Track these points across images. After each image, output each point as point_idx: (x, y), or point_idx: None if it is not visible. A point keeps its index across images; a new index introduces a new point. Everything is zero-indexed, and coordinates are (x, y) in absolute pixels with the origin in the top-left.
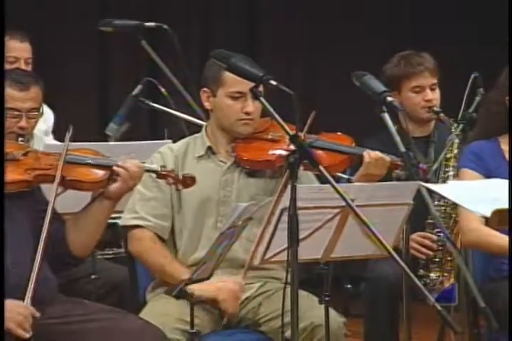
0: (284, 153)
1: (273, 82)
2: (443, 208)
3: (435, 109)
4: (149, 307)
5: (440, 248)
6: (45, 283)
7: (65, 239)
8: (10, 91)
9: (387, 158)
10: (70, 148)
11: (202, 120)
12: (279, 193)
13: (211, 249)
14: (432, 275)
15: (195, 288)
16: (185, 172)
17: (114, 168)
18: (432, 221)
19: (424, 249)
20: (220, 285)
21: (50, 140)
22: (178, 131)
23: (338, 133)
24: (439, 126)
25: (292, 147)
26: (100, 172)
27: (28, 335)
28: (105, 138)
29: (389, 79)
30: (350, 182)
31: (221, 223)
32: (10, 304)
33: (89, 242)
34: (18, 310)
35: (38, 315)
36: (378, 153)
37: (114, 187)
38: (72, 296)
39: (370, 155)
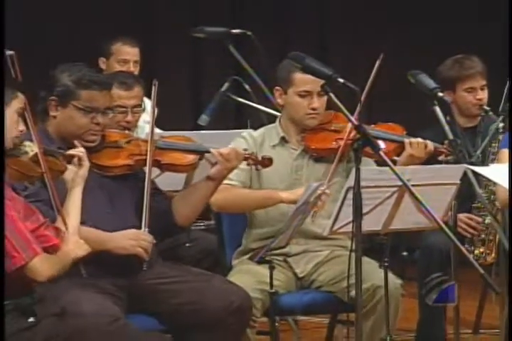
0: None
1: (340, 80)
2: (487, 195)
3: (485, 107)
4: (235, 271)
5: (484, 228)
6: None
7: (170, 212)
8: (117, 91)
9: (431, 144)
10: (166, 136)
11: (279, 112)
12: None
13: (288, 221)
14: (476, 251)
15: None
16: (263, 154)
17: (212, 151)
18: (477, 205)
19: (470, 229)
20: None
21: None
22: (258, 122)
23: (390, 123)
24: (485, 118)
25: (353, 135)
26: (191, 157)
27: (148, 258)
28: (198, 127)
29: (444, 79)
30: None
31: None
32: (135, 233)
33: (192, 214)
34: (143, 237)
35: (155, 241)
36: (419, 139)
37: (214, 169)
38: (170, 261)
39: (410, 140)
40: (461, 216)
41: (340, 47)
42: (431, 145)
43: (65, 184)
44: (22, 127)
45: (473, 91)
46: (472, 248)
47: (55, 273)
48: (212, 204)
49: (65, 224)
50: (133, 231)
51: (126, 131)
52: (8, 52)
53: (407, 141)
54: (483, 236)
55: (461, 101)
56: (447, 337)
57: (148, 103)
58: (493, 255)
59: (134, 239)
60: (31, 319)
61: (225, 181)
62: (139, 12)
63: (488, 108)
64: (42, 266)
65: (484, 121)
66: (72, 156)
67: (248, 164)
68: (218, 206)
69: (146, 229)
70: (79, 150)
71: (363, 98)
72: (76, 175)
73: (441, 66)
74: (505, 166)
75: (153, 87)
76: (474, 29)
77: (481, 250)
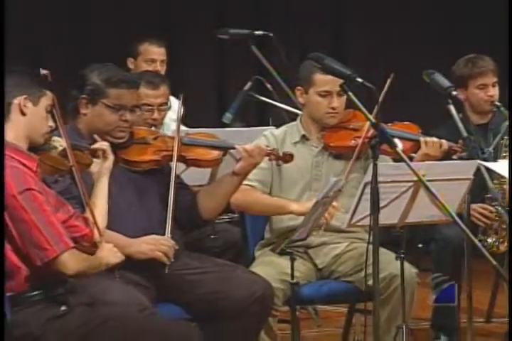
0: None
1: (359, 79)
2: (499, 186)
3: (496, 103)
4: (257, 262)
5: (497, 218)
6: (174, 241)
7: (196, 205)
8: (144, 90)
9: (445, 143)
10: (191, 133)
11: (299, 110)
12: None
13: (308, 215)
14: (489, 240)
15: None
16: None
17: (238, 147)
18: (490, 195)
19: (483, 218)
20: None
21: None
22: (280, 119)
23: (406, 122)
24: (496, 115)
25: (370, 134)
26: (215, 152)
27: (168, 262)
28: (222, 125)
29: (457, 78)
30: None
31: (314, 196)
32: (154, 238)
33: (217, 208)
34: (162, 242)
35: (176, 247)
36: (434, 138)
37: (239, 165)
38: (196, 252)
39: (425, 139)
40: (475, 206)
41: (357, 46)
42: (446, 144)
43: (92, 176)
44: (51, 123)
45: (485, 88)
46: (485, 237)
47: (82, 268)
48: (231, 202)
49: (92, 214)
50: (153, 236)
51: (153, 128)
52: (43, 72)
53: (422, 140)
54: (495, 225)
55: (473, 98)
56: (460, 326)
57: (174, 101)
58: (505, 244)
59: (153, 244)
60: (63, 307)
61: (245, 182)
62: (167, 14)
63: (499, 103)
64: (71, 260)
65: (495, 117)
66: (97, 150)
67: (270, 159)
68: (236, 205)
69: (169, 236)
70: (102, 144)
71: (375, 112)
72: (101, 167)
73: (455, 65)
74: None
75: (179, 102)
76: (490, 28)
77: (494, 239)
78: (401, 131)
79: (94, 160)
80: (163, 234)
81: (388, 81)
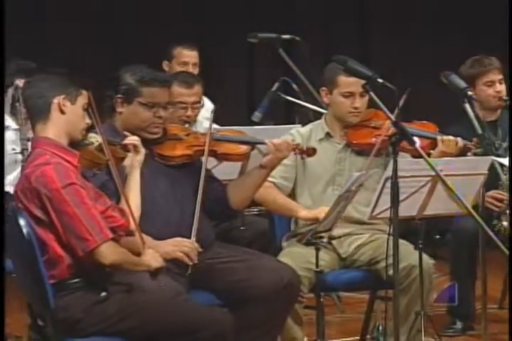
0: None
1: (380, 80)
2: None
3: (504, 97)
4: (284, 252)
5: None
6: (206, 232)
7: (225, 197)
8: (178, 89)
9: (461, 141)
10: (223, 129)
11: (324, 109)
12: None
13: (332, 207)
14: (504, 223)
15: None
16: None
17: (267, 141)
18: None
19: (496, 202)
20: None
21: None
22: (305, 118)
23: (424, 121)
24: (504, 112)
25: (390, 132)
26: (244, 147)
27: (191, 263)
28: (252, 123)
29: (465, 77)
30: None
31: (337, 190)
32: (178, 240)
33: (245, 199)
34: (185, 244)
35: (200, 250)
36: (450, 137)
37: (266, 158)
38: (227, 243)
39: (442, 137)
40: (489, 193)
41: (380, 46)
42: (461, 142)
43: (124, 169)
44: (88, 120)
45: (493, 85)
46: (500, 221)
47: (118, 260)
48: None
49: (127, 205)
50: (177, 238)
51: (187, 125)
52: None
53: (439, 138)
54: (509, 210)
55: (482, 95)
56: (475, 312)
57: (206, 101)
58: None
59: (176, 245)
60: (103, 294)
61: (269, 178)
62: (201, 19)
63: (507, 98)
64: (108, 251)
65: (503, 114)
66: (128, 144)
67: (295, 153)
68: (256, 199)
69: (194, 238)
70: (133, 139)
71: (396, 112)
72: (133, 161)
73: (462, 66)
74: None
75: (211, 113)
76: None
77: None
78: (419, 130)
79: (128, 154)
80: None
81: (404, 96)
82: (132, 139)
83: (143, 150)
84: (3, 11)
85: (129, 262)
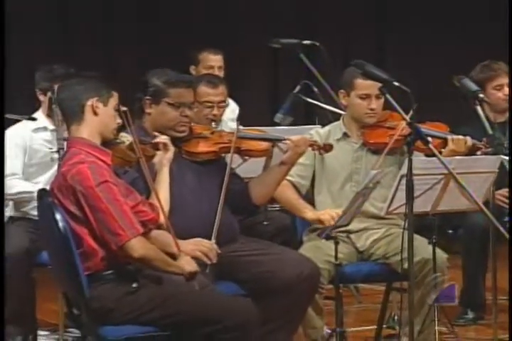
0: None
1: (395, 83)
2: None
3: None
4: (305, 245)
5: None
6: (231, 226)
7: (247, 192)
8: (205, 89)
9: (470, 140)
10: (246, 129)
11: (342, 110)
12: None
13: (350, 203)
14: None
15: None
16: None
17: (286, 138)
18: None
19: (506, 199)
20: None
21: (235, 125)
22: (325, 119)
23: (437, 122)
24: None
25: (405, 132)
26: (265, 144)
27: (209, 262)
28: (274, 124)
29: (476, 81)
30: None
31: (355, 187)
32: (198, 240)
33: (267, 194)
34: (203, 244)
35: (219, 251)
36: (460, 136)
37: (286, 155)
38: (251, 237)
39: (452, 137)
40: (500, 191)
41: (396, 47)
42: (470, 141)
43: (154, 167)
44: (119, 120)
45: (501, 88)
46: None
47: (146, 255)
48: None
49: (158, 199)
50: (197, 239)
51: (213, 124)
52: (123, 109)
53: (449, 137)
54: None
55: (491, 98)
56: (486, 303)
57: (231, 102)
58: None
59: (194, 245)
60: (134, 285)
61: (287, 177)
62: (227, 26)
63: None
64: (139, 245)
65: None
66: (159, 143)
67: (313, 149)
68: (274, 197)
69: (214, 240)
70: (163, 138)
71: (411, 114)
72: (163, 158)
73: (473, 71)
74: None
75: (237, 122)
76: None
77: None
78: (431, 130)
79: (157, 152)
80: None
81: (411, 112)
82: (162, 138)
83: (172, 149)
84: (3, 12)
85: (158, 259)
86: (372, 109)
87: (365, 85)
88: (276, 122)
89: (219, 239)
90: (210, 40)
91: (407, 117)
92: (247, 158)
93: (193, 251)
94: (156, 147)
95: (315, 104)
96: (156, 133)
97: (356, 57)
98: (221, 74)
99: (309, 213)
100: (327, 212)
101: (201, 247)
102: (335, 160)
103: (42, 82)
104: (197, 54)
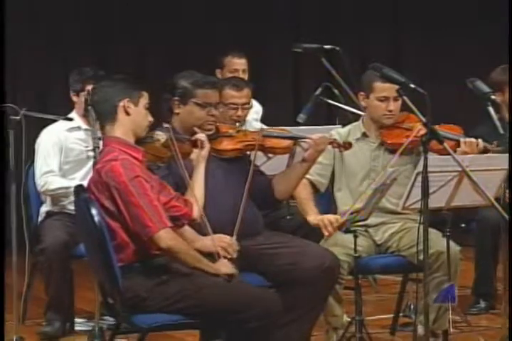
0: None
1: (412, 85)
2: None
3: None
4: (326, 239)
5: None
6: (256, 220)
7: (270, 187)
8: (230, 91)
9: (481, 143)
10: (270, 128)
11: (362, 111)
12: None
13: (368, 199)
14: None
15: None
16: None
17: (307, 136)
18: None
19: None
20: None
21: (258, 125)
22: (345, 119)
23: (451, 124)
24: None
25: (421, 133)
26: (287, 142)
27: (229, 256)
28: (297, 124)
29: (495, 82)
30: None
31: (372, 184)
32: (218, 235)
33: (289, 189)
34: (223, 239)
35: (238, 247)
36: (472, 139)
37: (307, 152)
38: (275, 230)
39: (465, 139)
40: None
41: (411, 47)
42: (481, 144)
43: (191, 163)
44: (150, 118)
45: None
46: None
47: (174, 247)
48: None
49: (193, 195)
50: (218, 235)
51: (237, 124)
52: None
53: (462, 140)
54: None
55: (510, 100)
56: (497, 292)
57: (255, 103)
58: None
59: (214, 240)
60: (165, 276)
61: (307, 175)
62: (253, 32)
63: None
64: (167, 236)
65: None
66: (197, 140)
67: (333, 147)
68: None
69: (235, 237)
70: (200, 135)
71: (424, 119)
72: (199, 155)
73: (493, 73)
74: None
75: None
76: None
77: None
78: (445, 132)
79: (194, 150)
80: (244, 213)
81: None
82: (200, 135)
83: (208, 146)
84: (3, 13)
85: (186, 253)
86: (390, 111)
87: (383, 88)
88: (298, 122)
89: (245, 232)
90: (237, 42)
91: (423, 118)
92: (270, 155)
93: (214, 247)
94: (194, 144)
95: (335, 105)
96: (197, 130)
97: (372, 56)
98: (245, 77)
99: (312, 216)
100: (327, 217)
101: (221, 243)
102: (354, 158)
103: (74, 83)
104: (222, 58)
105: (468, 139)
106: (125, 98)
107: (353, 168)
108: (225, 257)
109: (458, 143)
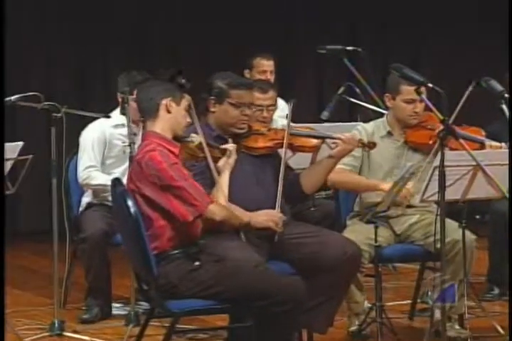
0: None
1: (430, 85)
2: None
3: None
4: (348, 229)
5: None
6: (283, 211)
7: (298, 182)
8: (256, 94)
9: (505, 146)
10: (297, 126)
11: (382, 108)
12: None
13: (389, 192)
14: None
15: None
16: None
17: (338, 134)
18: None
19: None
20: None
21: (284, 121)
22: (366, 116)
23: (473, 127)
24: None
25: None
26: (315, 140)
27: (280, 230)
28: (320, 121)
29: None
30: None
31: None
32: (268, 211)
33: (316, 184)
34: (274, 214)
35: (285, 218)
36: (497, 143)
37: (336, 149)
38: (300, 221)
39: (490, 143)
40: None
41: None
42: (505, 147)
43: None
44: (189, 119)
45: None
46: None
47: (226, 216)
48: (329, 181)
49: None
50: (267, 210)
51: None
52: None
53: (487, 143)
54: None
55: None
56: (510, 280)
57: (281, 102)
58: None
59: (266, 215)
60: (197, 263)
61: (339, 165)
62: (279, 34)
63: None
64: (217, 209)
65: None
66: (227, 149)
67: (359, 146)
68: (333, 183)
69: (279, 209)
70: (231, 145)
71: (455, 115)
72: (226, 163)
73: (506, 73)
74: None
75: (289, 105)
76: None
77: None
78: (469, 134)
79: (222, 158)
80: (275, 205)
81: (469, 88)
82: (230, 145)
83: (235, 156)
84: (3, 13)
85: (237, 217)
86: (416, 112)
87: (410, 91)
88: (322, 119)
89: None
90: (267, 42)
91: (440, 115)
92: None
93: (267, 222)
94: (223, 152)
95: (357, 104)
96: (229, 140)
97: (392, 56)
98: (272, 78)
99: (384, 184)
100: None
101: (272, 217)
102: (379, 155)
103: (123, 86)
104: (251, 59)
105: (494, 143)
106: (168, 97)
107: (377, 164)
108: (273, 233)
109: (482, 146)
